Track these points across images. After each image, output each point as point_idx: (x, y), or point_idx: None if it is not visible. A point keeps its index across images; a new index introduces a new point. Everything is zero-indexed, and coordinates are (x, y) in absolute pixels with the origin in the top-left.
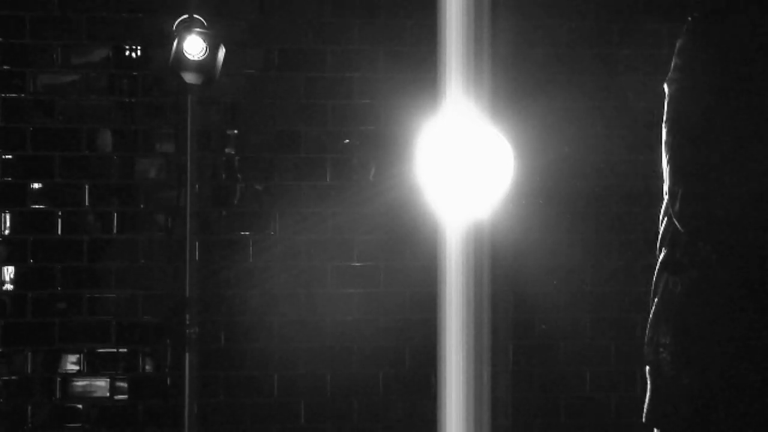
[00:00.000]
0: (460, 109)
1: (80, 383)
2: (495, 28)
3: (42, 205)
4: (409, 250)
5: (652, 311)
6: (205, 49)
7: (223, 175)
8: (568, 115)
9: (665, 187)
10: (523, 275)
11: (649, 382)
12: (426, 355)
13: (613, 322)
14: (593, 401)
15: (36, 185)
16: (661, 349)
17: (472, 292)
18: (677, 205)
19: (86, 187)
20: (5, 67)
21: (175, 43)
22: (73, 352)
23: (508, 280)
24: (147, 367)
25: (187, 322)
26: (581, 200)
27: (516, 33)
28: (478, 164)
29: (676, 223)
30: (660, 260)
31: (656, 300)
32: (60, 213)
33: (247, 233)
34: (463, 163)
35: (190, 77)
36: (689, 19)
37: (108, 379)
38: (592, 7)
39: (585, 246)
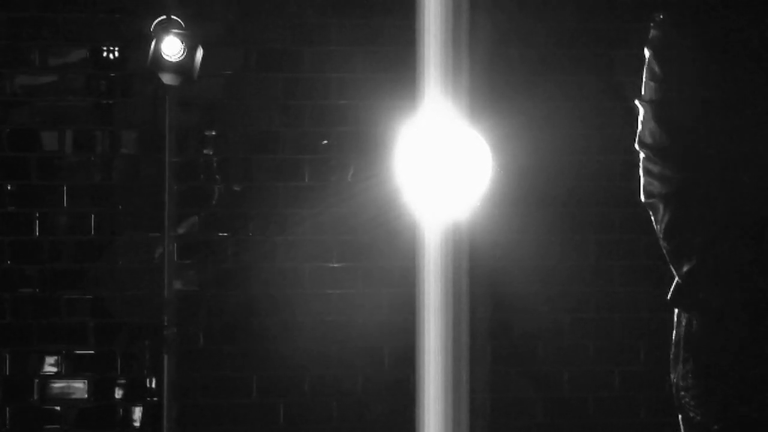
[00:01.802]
0: (439, 109)
1: (58, 385)
2: (473, 29)
3: (19, 206)
4: (388, 251)
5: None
6: (183, 50)
7: (202, 176)
8: (547, 115)
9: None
10: (502, 276)
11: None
12: (405, 356)
13: (592, 323)
14: (572, 401)
15: (12, 186)
16: (683, 393)
17: (451, 293)
18: (672, 252)
19: (64, 188)
20: None
21: (152, 44)
22: (51, 354)
23: (486, 281)
24: (125, 369)
25: (165, 324)
26: (560, 200)
27: (494, 34)
28: (457, 165)
29: (670, 265)
30: (671, 291)
31: (673, 335)
32: (37, 214)
33: (225, 234)
34: (441, 164)
35: (168, 78)
36: (657, 20)
37: (86, 381)
38: (569, 8)
39: (564, 246)
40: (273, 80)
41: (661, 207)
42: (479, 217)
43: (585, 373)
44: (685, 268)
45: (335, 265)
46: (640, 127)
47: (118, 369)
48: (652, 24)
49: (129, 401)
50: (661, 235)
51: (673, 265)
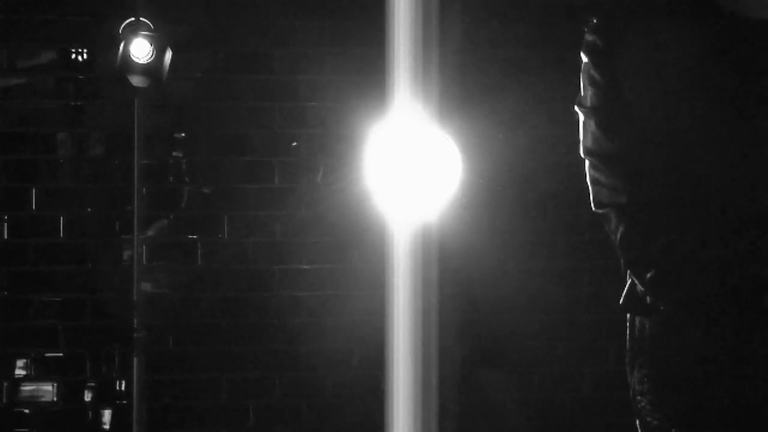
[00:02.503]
0: (409, 111)
1: (27, 388)
2: (443, 31)
3: None
4: (358, 253)
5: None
6: (151, 52)
7: (171, 179)
8: (517, 117)
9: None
10: (472, 277)
11: None
12: (374, 358)
13: (562, 324)
14: (541, 403)
15: None
16: (639, 398)
17: (421, 295)
18: (631, 263)
19: (33, 190)
20: None
21: (121, 47)
22: (21, 357)
23: (456, 283)
24: (94, 371)
25: (135, 326)
26: (529, 202)
27: (464, 36)
28: (427, 166)
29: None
30: (623, 297)
31: (627, 340)
32: (6, 217)
33: (194, 236)
34: (411, 166)
35: (136, 80)
36: (592, 25)
37: (55, 384)
38: (536, 9)
39: (534, 248)
40: (242, 82)
41: (613, 217)
42: (449, 219)
43: (555, 374)
44: (647, 277)
45: (305, 267)
46: (582, 134)
47: (88, 372)
48: (586, 29)
49: (98, 404)
50: (617, 245)
51: (634, 275)
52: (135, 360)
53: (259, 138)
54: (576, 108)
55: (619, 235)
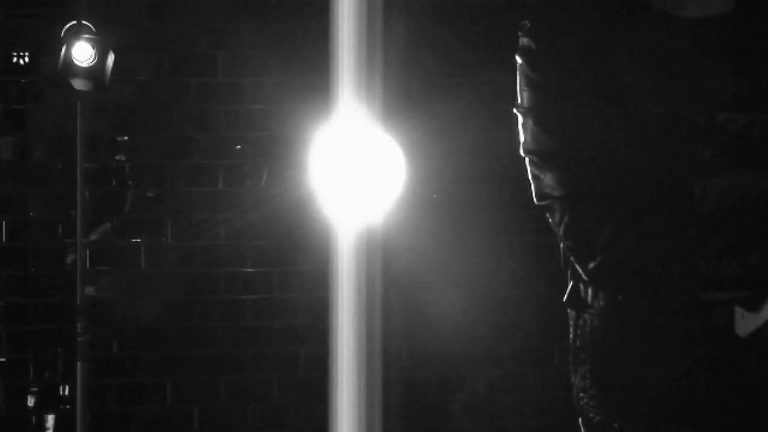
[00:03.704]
0: (353, 113)
1: None
2: (387, 34)
3: None
4: (302, 256)
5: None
6: (94, 55)
7: (114, 182)
8: (461, 119)
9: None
10: (417, 280)
11: None
12: (319, 360)
13: (508, 325)
14: (488, 403)
15: None
16: (582, 394)
17: (365, 297)
18: (575, 252)
19: None
20: None
21: (63, 50)
22: None
23: (401, 285)
24: (37, 376)
25: (78, 330)
26: (474, 204)
27: (408, 38)
28: (371, 169)
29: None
30: (566, 295)
31: (570, 337)
32: None
33: (138, 240)
34: (355, 168)
35: (79, 83)
36: (525, 27)
37: None
38: (479, 12)
39: (479, 250)
40: (186, 85)
41: (558, 208)
42: (393, 221)
43: (502, 376)
44: (590, 266)
45: (250, 270)
46: (521, 133)
47: (31, 376)
48: (520, 32)
49: (42, 409)
50: (561, 236)
51: (578, 264)
52: (79, 365)
53: (203, 141)
54: (514, 110)
55: (563, 226)
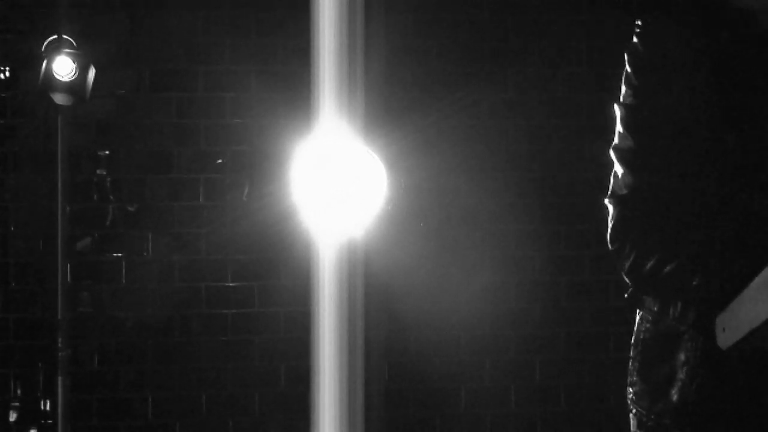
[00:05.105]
0: (333, 128)
1: None
2: (368, 48)
3: None
4: (283, 270)
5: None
6: (74, 69)
7: (95, 196)
8: (442, 133)
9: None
10: (397, 293)
11: None
12: (301, 374)
13: (488, 339)
14: (468, 418)
15: None
16: (629, 389)
17: (346, 311)
18: (615, 252)
19: None
20: None
21: (44, 64)
22: None
23: (382, 299)
24: (19, 391)
25: (60, 345)
26: (454, 217)
27: (388, 52)
28: (352, 183)
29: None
30: (627, 293)
31: (632, 344)
32: None
33: (119, 255)
34: (336, 182)
35: (60, 98)
36: (636, 28)
37: None
38: (460, 26)
39: (459, 262)
40: (166, 100)
41: (611, 208)
42: (374, 234)
43: (481, 389)
44: (626, 265)
45: (231, 284)
46: (616, 130)
47: (12, 391)
48: (635, 31)
49: (23, 424)
50: (609, 234)
51: (616, 262)
52: (60, 379)
53: (184, 155)
54: (615, 105)
55: (611, 225)
